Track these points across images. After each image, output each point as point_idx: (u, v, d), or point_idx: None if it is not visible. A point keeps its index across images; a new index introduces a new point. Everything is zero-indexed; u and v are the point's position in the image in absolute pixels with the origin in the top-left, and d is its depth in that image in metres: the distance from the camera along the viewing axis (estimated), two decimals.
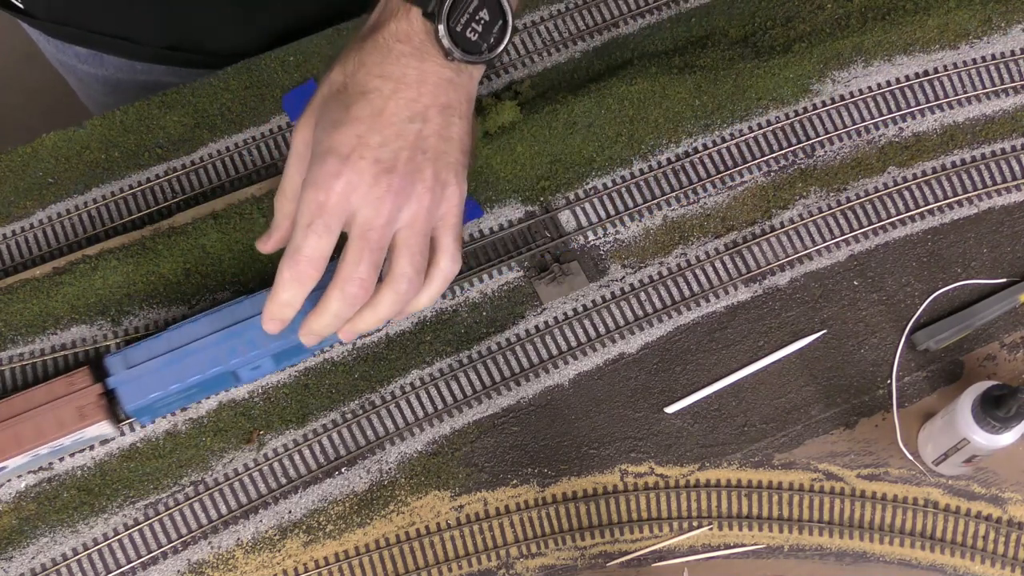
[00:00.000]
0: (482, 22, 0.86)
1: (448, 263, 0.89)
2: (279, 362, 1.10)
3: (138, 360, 1.04)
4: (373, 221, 0.84)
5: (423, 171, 0.86)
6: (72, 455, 1.09)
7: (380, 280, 0.88)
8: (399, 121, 0.85)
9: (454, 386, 1.13)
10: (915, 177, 1.19)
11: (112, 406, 1.08)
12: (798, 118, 1.20)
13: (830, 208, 1.18)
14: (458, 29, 0.85)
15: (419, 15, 0.86)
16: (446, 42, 0.85)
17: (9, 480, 1.09)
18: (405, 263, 0.86)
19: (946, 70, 1.22)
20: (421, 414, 1.12)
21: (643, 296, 1.16)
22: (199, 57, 1.27)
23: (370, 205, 0.84)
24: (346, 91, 0.86)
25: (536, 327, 1.15)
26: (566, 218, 1.18)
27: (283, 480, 1.10)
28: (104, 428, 1.07)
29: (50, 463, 1.09)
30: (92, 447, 1.10)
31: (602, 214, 1.18)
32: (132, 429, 1.10)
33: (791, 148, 1.20)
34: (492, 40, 0.87)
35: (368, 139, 0.84)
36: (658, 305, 1.16)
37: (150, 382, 1.04)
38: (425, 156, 0.86)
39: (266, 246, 0.94)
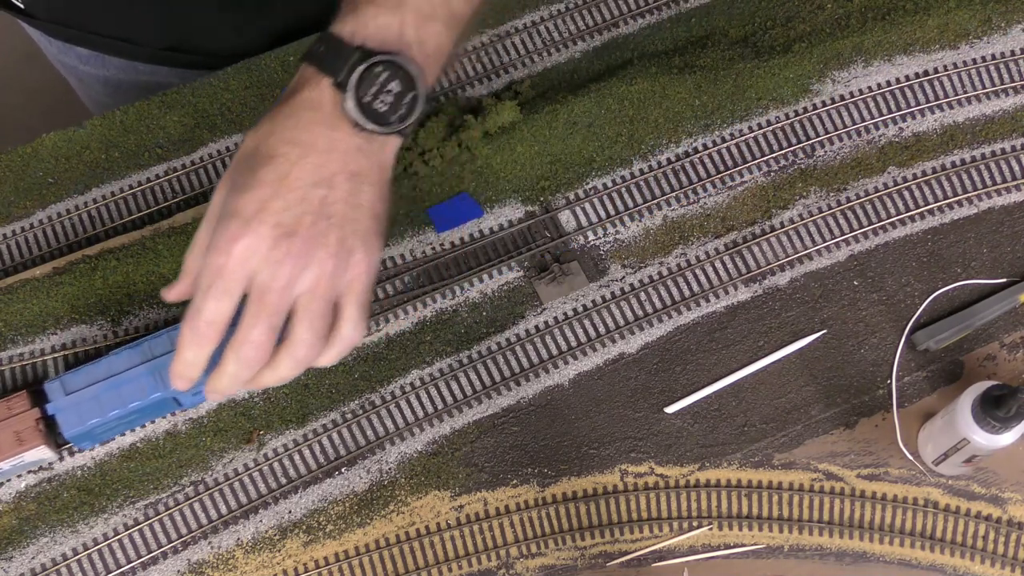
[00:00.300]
0: (392, 93, 0.86)
1: (350, 331, 0.88)
2: None
3: (77, 387, 1.04)
4: (271, 284, 0.84)
5: (327, 236, 0.85)
6: (73, 455, 1.09)
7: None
8: (303, 186, 0.85)
9: (454, 386, 1.13)
10: (915, 177, 1.19)
11: (51, 431, 1.07)
12: (798, 118, 1.20)
13: (830, 208, 1.18)
14: (367, 100, 0.85)
15: (329, 84, 0.86)
16: (354, 113, 0.85)
17: (8, 480, 1.09)
18: (303, 329, 0.86)
19: (946, 70, 1.22)
20: (421, 414, 1.12)
21: (643, 296, 1.16)
22: (199, 58, 1.27)
23: (268, 268, 0.84)
24: (255, 156, 0.86)
25: (536, 327, 1.15)
26: (566, 218, 1.18)
27: (283, 480, 1.10)
28: (43, 452, 1.07)
29: (49, 463, 1.09)
30: (36, 470, 1.09)
31: (602, 214, 1.18)
32: (71, 454, 1.09)
33: (791, 148, 1.20)
34: (403, 111, 0.86)
35: (271, 203, 0.84)
36: (658, 305, 1.16)
37: (89, 408, 1.04)
38: (330, 222, 0.85)
39: (169, 295, 0.94)
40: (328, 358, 0.88)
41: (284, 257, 0.84)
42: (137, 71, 1.30)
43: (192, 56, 1.27)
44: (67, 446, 1.10)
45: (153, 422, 1.10)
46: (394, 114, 0.86)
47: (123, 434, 1.10)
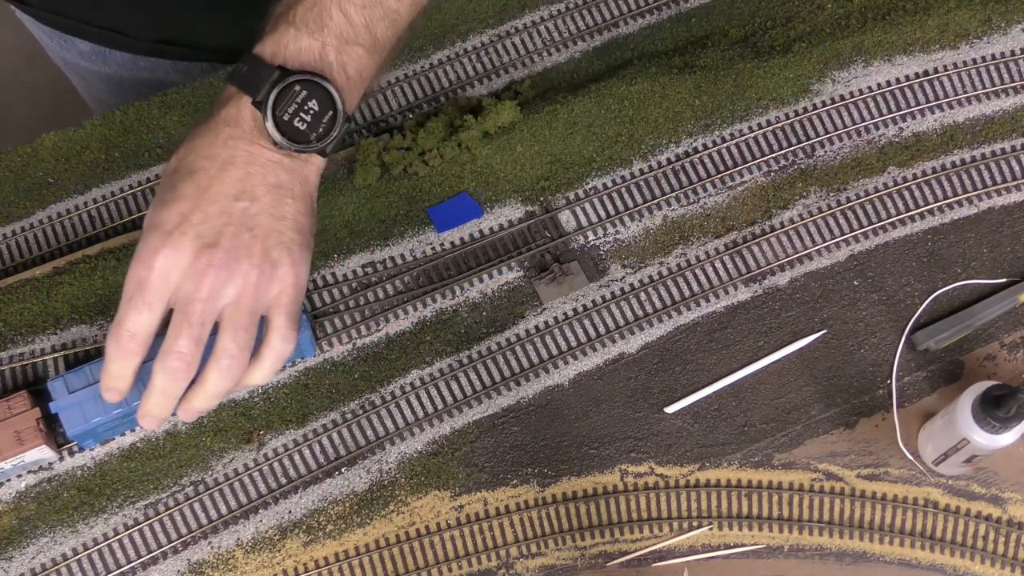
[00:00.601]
0: (311, 112, 0.87)
1: (279, 343, 0.88)
2: None
3: (80, 385, 1.04)
4: (194, 295, 0.84)
5: (250, 248, 0.86)
6: (73, 454, 1.09)
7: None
8: (224, 199, 0.85)
9: (454, 386, 1.13)
10: (915, 177, 1.19)
11: (52, 430, 1.07)
12: (798, 118, 1.20)
13: (830, 208, 1.18)
14: (285, 118, 0.86)
15: (249, 103, 0.87)
16: (272, 131, 0.86)
17: (8, 480, 1.09)
18: (228, 339, 0.86)
19: (946, 70, 1.22)
20: (421, 414, 1.12)
21: (643, 296, 1.16)
22: (193, 51, 1.27)
23: (191, 280, 0.84)
24: (176, 172, 0.87)
25: (536, 327, 1.15)
26: (566, 218, 1.18)
27: (283, 480, 1.10)
28: (43, 452, 1.07)
29: (50, 463, 1.09)
30: (39, 468, 1.09)
31: (602, 214, 1.18)
32: (71, 454, 1.10)
33: (791, 148, 1.20)
34: (321, 130, 0.87)
35: (191, 216, 0.85)
36: (658, 305, 1.16)
37: (92, 407, 1.03)
38: (252, 234, 0.86)
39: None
40: (261, 373, 0.89)
41: (206, 268, 0.84)
42: (138, 67, 1.29)
43: (186, 49, 1.27)
44: (67, 446, 1.10)
45: None
46: (313, 132, 0.87)
47: (124, 434, 1.10)
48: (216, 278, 0.84)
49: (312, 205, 0.90)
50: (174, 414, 0.89)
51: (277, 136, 0.86)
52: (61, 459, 1.09)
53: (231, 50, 1.23)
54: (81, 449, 1.10)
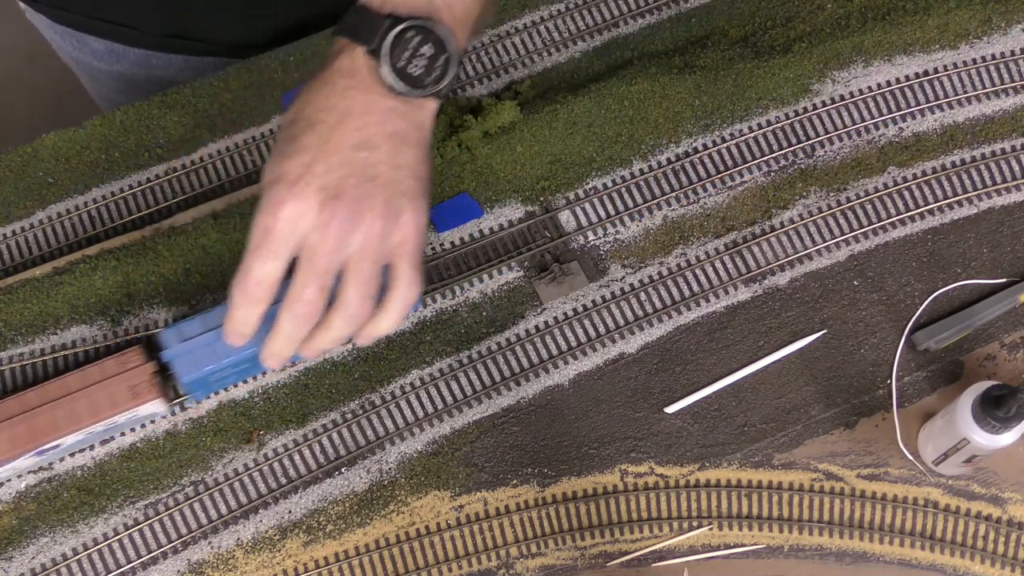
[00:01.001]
0: (425, 56, 0.88)
1: (404, 291, 0.90)
2: None
3: (192, 333, 1.05)
4: (319, 247, 0.86)
5: (372, 198, 0.87)
6: (72, 455, 1.10)
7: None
8: (345, 149, 0.87)
9: (454, 386, 1.13)
10: (915, 177, 1.19)
11: (165, 384, 1.09)
12: (798, 118, 1.20)
13: (830, 208, 1.18)
14: (400, 64, 0.87)
15: (363, 52, 0.88)
16: (388, 78, 0.87)
17: (9, 480, 1.09)
18: (351, 290, 0.88)
19: (946, 70, 1.22)
20: (421, 414, 1.12)
21: (643, 296, 1.16)
22: (205, 46, 1.27)
23: (316, 231, 0.86)
24: (295, 124, 0.88)
25: (536, 327, 1.15)
26: (566, 218, 1.18)
27: (283, 480, 1.10)
28: (157, 406, 1.08)
29: (50, 463, 1.09)
30: (144, 425, 1.11)
31: (602, 214, 1.18)
32: (183, 408, 1.11)
33: (791, 148, 1.20)
34: (437, 73, 0.89)
35: (314, 167, 0.86)
36: (658, 305, 1.16)
37: (204, 355, 1.04)
38: (374, 184, 0.87)
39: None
40: (388, 322, 0.90)
41: (331, 220, 0.85)
42: (151, 65, 1.29)
43: (198, 44, 1.27)
44: (180, 399, 1.10)
45: (174, 413, 1.11)
46: (428, 76, 0.89)
47: (235, 385, 1.11)
48: (341, 229, 0.86)
49: (428, 152, 0.91)
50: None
51: (395, 82, 0.87)
52: (173, 413, 1.10)
53: (242, 45, 1.23)
54: (195, 402, 1.11)
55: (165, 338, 1.04)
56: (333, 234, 0.86)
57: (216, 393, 1.11)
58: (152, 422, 1.10)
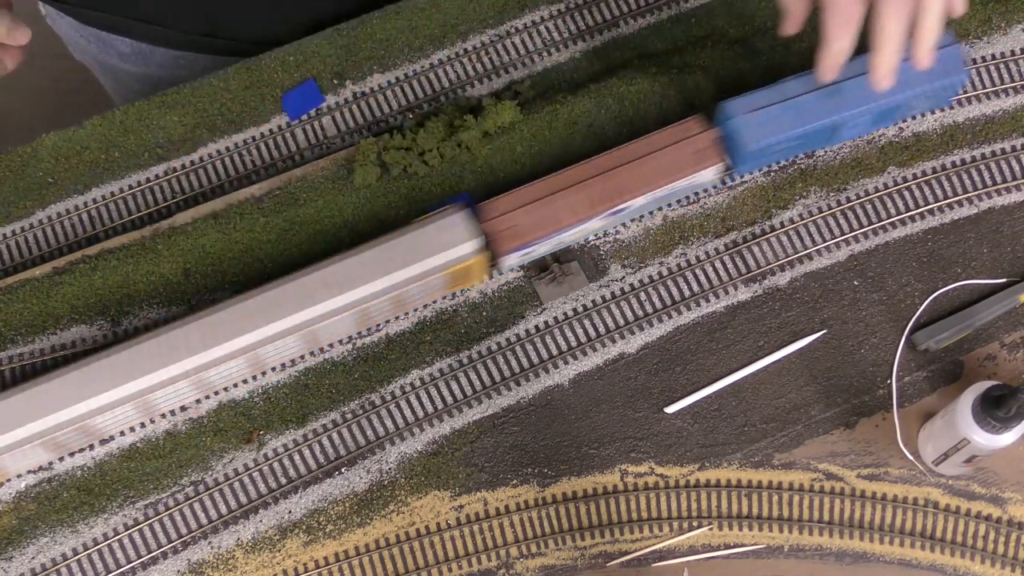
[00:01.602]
0: None
1: None
2: (876, 123, 1.16)
3: (758, 105, 1.10)
4: None
5: None
6: (72, 455, 1.09)
7: None
8: None
9: (454, 386, 1.13)
10: (915, 177, 1.19)
11: (721, 152, 1.13)
12: None
13: (830, 208, 1.18)
14: None
15: None
16: None
17: (9, 482, 1.09)
18: None
19: None
20: (421, 414, 1.12)
21: (643, 296, 1.16)
22: (237, 44, 1.27)
23: None
24: None
25: (536, 327, 1.15)
26: None
27: (283, 480, 1.10)
28: (712, 174, 1.13)
29: (50, 463, 1.09)
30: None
31: None
32: (731, 180, 1.17)
33: None
34: None
35: None
36: (658, 305, 1.16)
37: (767, 127, 1.10)
38: None
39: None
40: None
41: None
42: (177, 65, 1.29)
43: (227, 43, 1.27)
44: (728, 172, 1.15)
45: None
46: None
47: (779, 162, 1.18)
48: None
49: None
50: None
51: None
52: (723, 183, 1.17)
53: (270, 42, 1.23)
54: (739, 176, 1.18)
55: (731, 108, 1.10)
56: None
57: (760, 170, 1.18)
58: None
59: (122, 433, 1.10)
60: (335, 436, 1.12)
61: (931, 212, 1.18)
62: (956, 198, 1.19)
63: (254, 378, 1.12)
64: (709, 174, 1.13)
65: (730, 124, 1.10)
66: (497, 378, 1.13)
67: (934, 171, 1.19)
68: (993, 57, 1.22)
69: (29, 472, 1.09)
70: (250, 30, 1.27)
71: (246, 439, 1.11)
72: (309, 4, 1.26)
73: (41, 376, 1.04)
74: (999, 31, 1.23)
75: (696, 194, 1.18)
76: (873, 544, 1.10)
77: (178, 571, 1.08)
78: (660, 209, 1.17)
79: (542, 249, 1.13)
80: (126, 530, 1.09)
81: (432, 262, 1.07)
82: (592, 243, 1.17)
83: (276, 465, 1.11)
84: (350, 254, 1.07)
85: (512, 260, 1.12)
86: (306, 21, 1.25)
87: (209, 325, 1.04)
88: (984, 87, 1.22)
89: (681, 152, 1.11)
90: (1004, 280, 1.17)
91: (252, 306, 1.05)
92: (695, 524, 1.10)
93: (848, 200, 1.18)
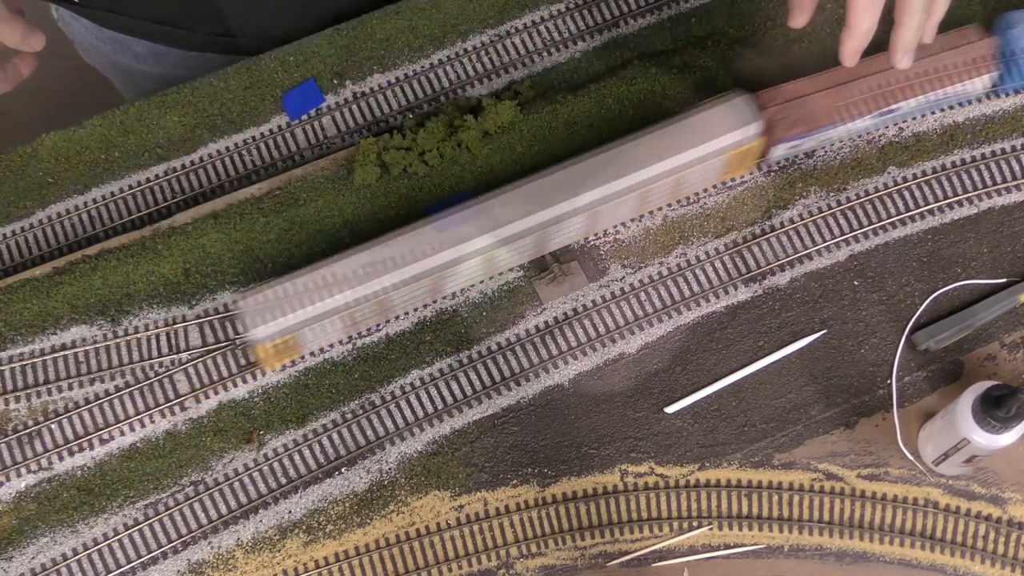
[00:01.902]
0: None
1: None
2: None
3: None
4: None
5: None
6: (73, 454, 1.09)
7: None
8: None
9: (454, 386, 1.13)
10: (915, 177, 1.19)
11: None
12: None
13: (830, 208, 1.18)
14: None
15: None
16: None
17: (9, 482, 1.09)
18: None
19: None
20: (421, 414, 1.12)
21: (643, 296, 1.16)
22: (253, 42, 1.26)
23: None
24: None
25: (536, 327, 1.15)
26: None
27: (283, 480, 1.10)
28: (982, 84, 1.15)
29: (50, 463, 1.09)
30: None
31: None
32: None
33: None
34: None
35: None
36: (658, 305, 1.16)
37: None
38: None
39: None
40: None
41: None
42: (192, 66, 1.30)
43: (243, 41, 1.27)
44: (998, 86, 1.17)
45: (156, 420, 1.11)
46: None
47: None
48: None
49: None
50: None
51: None
52: (988, 98, 1.19)
53: (286, 41, 1.22)
54: (1004, 93, 1.19)
55: (1013, 18, 1.11)
56: None
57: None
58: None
59: (122, 433, 1.10)
60: (335, 436, 1.12)
61: (931, 212, 1.18)
62: (956, 198, 1.19)
63: (254, 378, 1.12)
64: (980, 83, 1.15)
65: (1011, 34, 1.10)
66: (497, 378, 1.14)
67: (934, 171, 1.19)
68: None
69: (29, 472, 1.09)
70: (269, 29, 1.26)
71: (246, 439, 1.11)
72: (329, 1, 1.25)
73: (350, 249, 1.08)
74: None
75: (696, 193, 1.18)
76: (873, 544, 1.10)
77: (178, 571, 1.08)
78: (660, 209, 1.18)
79: (808, 144, 1.14)
80: (126, 530, 1.09)
81: (716, 144, 1.10)
82: (592, 243, 1.17)
83: (276, 465, 1.11)
84: (632, 138, 1.10)
85: (780, 151, 1.13)
86: (326, 19, 1.25)
87: (519, 196, 1.09)
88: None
89: (956, 58, 1.13)
90: (1004, 280, 1.17)
91: (564, 177, 1.10)
92: (695, 524, 1.10)
93: (848, 200, 1.18)
